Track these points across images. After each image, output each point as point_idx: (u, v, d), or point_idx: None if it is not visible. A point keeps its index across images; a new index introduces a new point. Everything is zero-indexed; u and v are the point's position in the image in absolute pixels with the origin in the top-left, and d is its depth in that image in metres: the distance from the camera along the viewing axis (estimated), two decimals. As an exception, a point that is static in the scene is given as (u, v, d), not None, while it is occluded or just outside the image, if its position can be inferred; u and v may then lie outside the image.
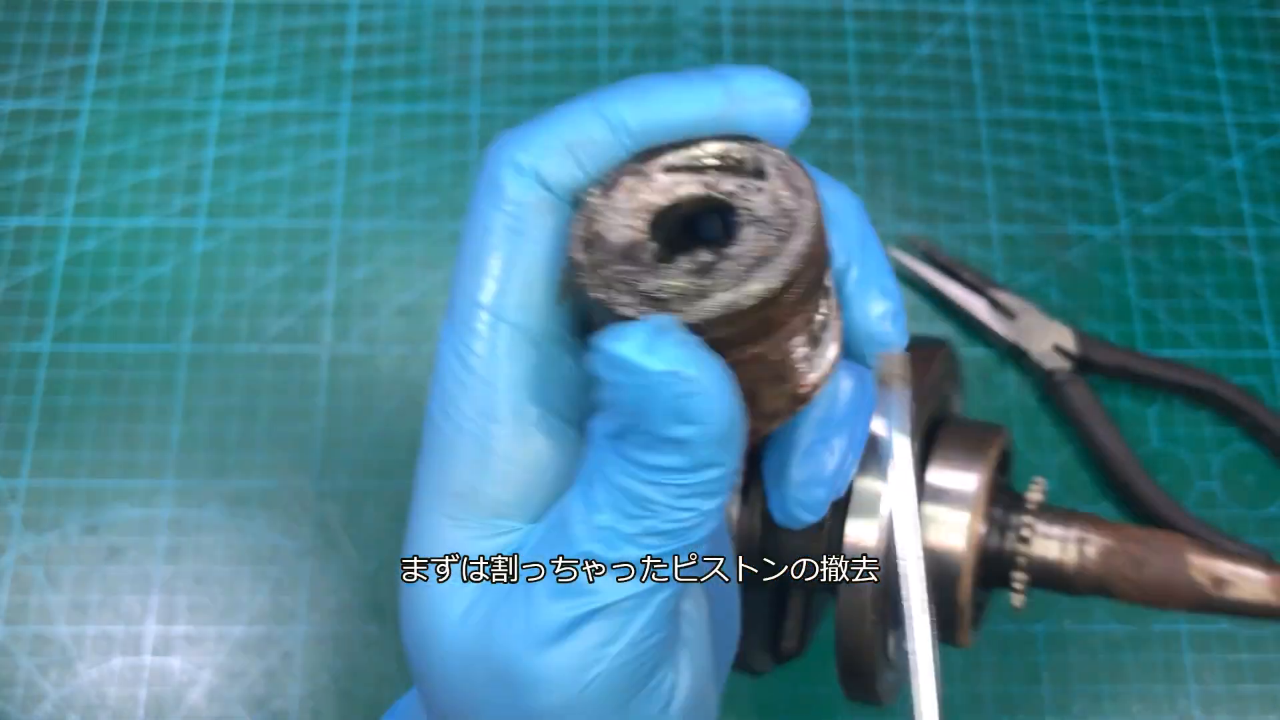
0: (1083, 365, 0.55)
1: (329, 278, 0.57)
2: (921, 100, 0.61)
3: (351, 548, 0.52)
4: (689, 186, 0.23)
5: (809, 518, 0.26)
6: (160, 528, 0.52)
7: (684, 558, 0.23)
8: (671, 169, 0.23)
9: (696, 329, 0.21)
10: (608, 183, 0.23)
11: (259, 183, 0.58)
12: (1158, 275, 0.58)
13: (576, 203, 0.23)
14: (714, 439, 0.21)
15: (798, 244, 0.22)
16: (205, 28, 0.62)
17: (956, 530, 0.32)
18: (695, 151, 0.23)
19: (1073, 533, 0.32)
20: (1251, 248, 0.58)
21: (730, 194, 0.23)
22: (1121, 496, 0.53)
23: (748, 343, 0.22)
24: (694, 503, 0.22)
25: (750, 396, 0.22)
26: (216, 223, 0.58)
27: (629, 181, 0.23)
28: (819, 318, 0.23)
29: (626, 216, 0.23)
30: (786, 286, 0.21)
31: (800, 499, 0.26)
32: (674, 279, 0.22)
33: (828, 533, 0.33)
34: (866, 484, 0.32)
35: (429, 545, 0.24)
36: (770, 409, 0.23)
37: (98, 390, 0.54)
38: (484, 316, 0.23)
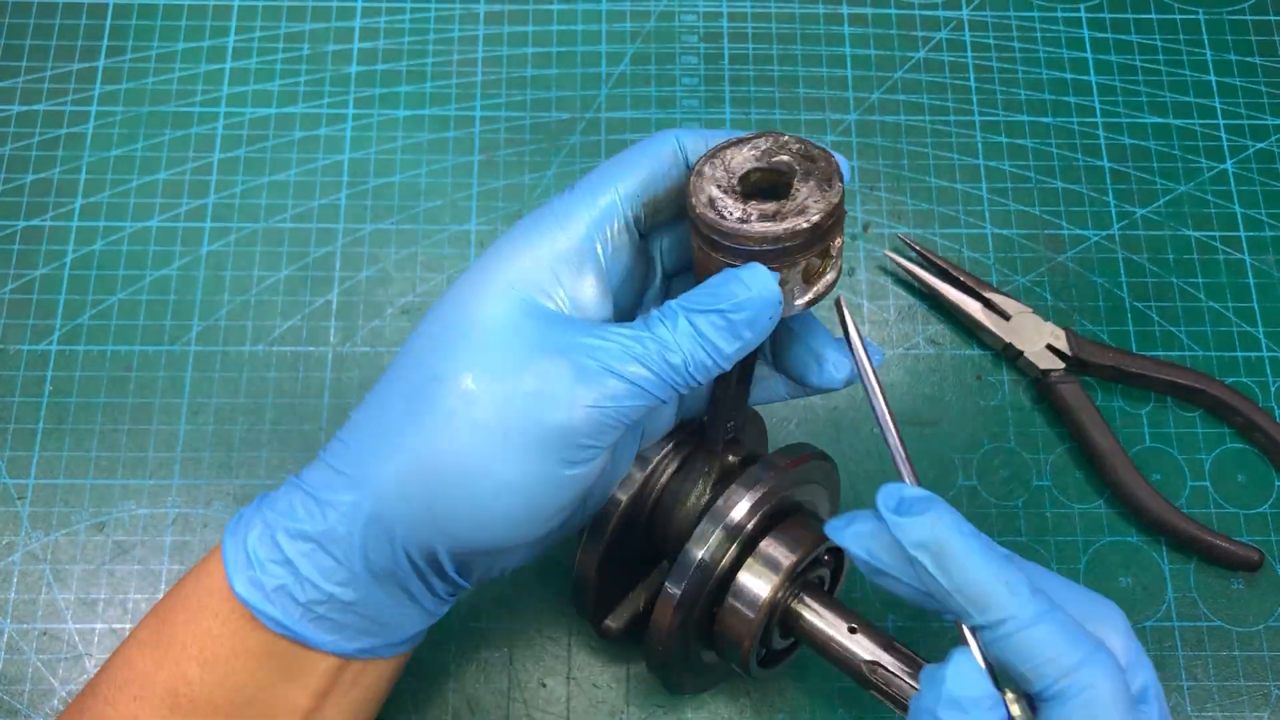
0: (1076, 365, 0.55)
1: (333, 279, 0.57)
2: (917, 104, 0.62)
3: (356, 545, 0.52)
4: (763, 159, 0.37)
5: (841, 374, 0.41)
6: (166, 526, 0.52)
7: (663, 394, 0.36)
8: (753, 148, 0.37)
9: (769, 239, 0.35)
10: (712, 154, 0.37)
11: (264, 185, 0.59)
12: (1150, 276, 0.58)
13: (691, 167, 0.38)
14: (753, 325, 0.36)
15: (834, 195, 0.36)
16: (211, 32, 0.62)
17: (766, 584, 0.41)
18: (768, 142, 0.37)
19: (836, 613, 0.42)
20: (1243, 249, 0.59)
21: (788, 164, 0.37)
22: (1114, 495, 0.54)
23: (797, 251, 0.35)
24: (700, 368, 0.36)
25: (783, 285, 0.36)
26: (222, 224, 0.58)
27: (727, 153, 0.37)
28: (834, 246, 0.37)
29: (723, 172, 0.37)
30: (828, 218, 0.35)
31: (837, 362, 0.40)
32: (754, 208, 0.36)
33: (694, 518, 0.42)
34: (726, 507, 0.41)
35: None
36: (787, 299, 0.36)
37: (104, 390, 0.55)
38: (613, 193, 0.38)
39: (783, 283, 0.36)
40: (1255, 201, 0.60)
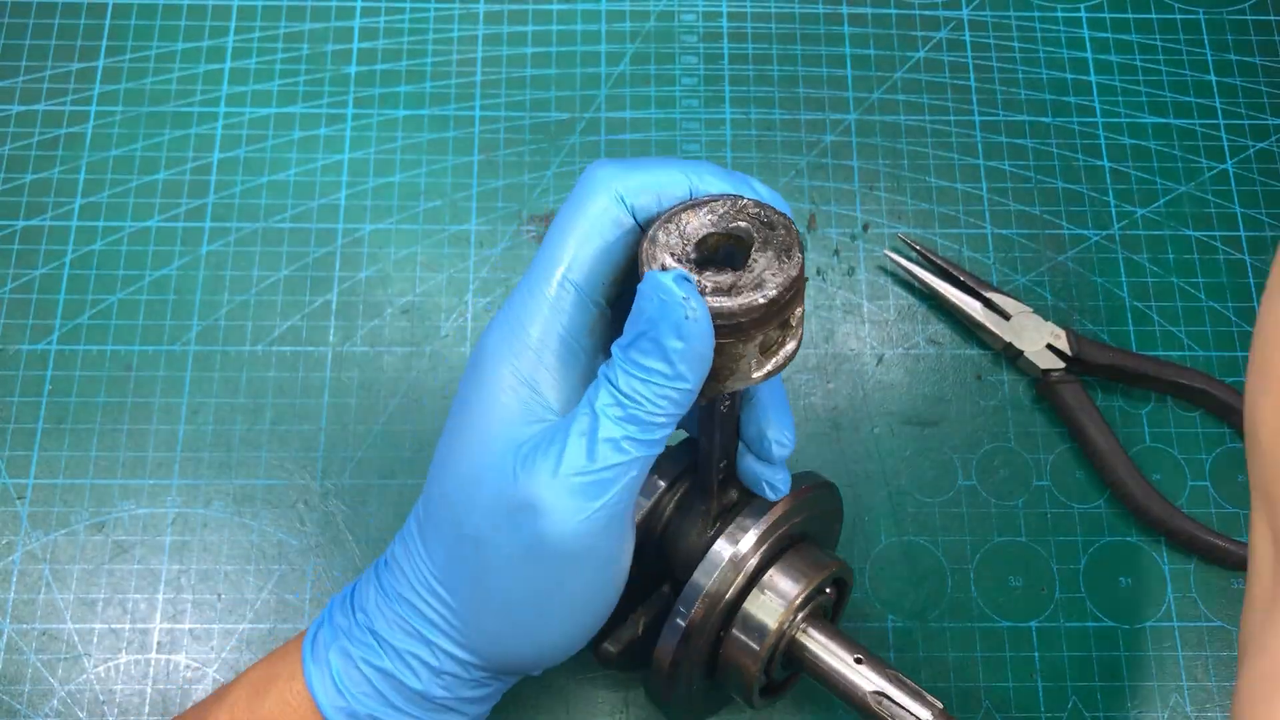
0: (1076, 365, 0.55)
1: (333, 279, 0.57)
2: (917, 104, 0.62)
3: (355, 545, 0.52)
4: (719, 225, 0.35)
5: (784, 453, 0.40)
6: (166, 526, 0.52)
7: (649, 449, 0.35)
8: (710, 212, 0.35)
9: (723, 315, 0.33)
10: (667, 218, 0.35)
11: (264, 185, 0.59)
12: (1151, 276, 0.58)
13: (645, 226, 0.36)
14: (692, 357, 0.33)
15: (793, 267, 0.34)
16: (210, 32, 0.62)
17: (772, 615, 0.41)
18: (725, 206, 0.35)
19: (840, 643, 0.42)
20: (1243, 249, 0.59)
21: (746, 230, 0.35)
22: (1114, 495, 0.54)
23: (753, 327, 0.34)
24: (665, 404, 0.34)
25: (734, 363, 0.35)
26: (222, 224, 0.58)
27: (682, 217, 0.35)
28: (794, 316, 0.35)
29: (677, 239, 0.35)
30: (785, 291, 0.34)
31: (780, 440, 0.39)
32: (709, 280, 0.34)
33: (700, 550, 0.41)
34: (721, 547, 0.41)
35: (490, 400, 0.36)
36: (743, 372, 0.35)
37: (104, 390, 0.55)
38: (559, 273, 0.36)
39: (739, 356, 0.35)
40: (1255, 201, 0.60)
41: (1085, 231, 0.59)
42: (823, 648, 0.42)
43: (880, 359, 0.57)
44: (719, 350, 0.34)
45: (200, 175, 0.59)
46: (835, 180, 0.60)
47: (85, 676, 0.50)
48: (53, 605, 0.51)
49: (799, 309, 0.36)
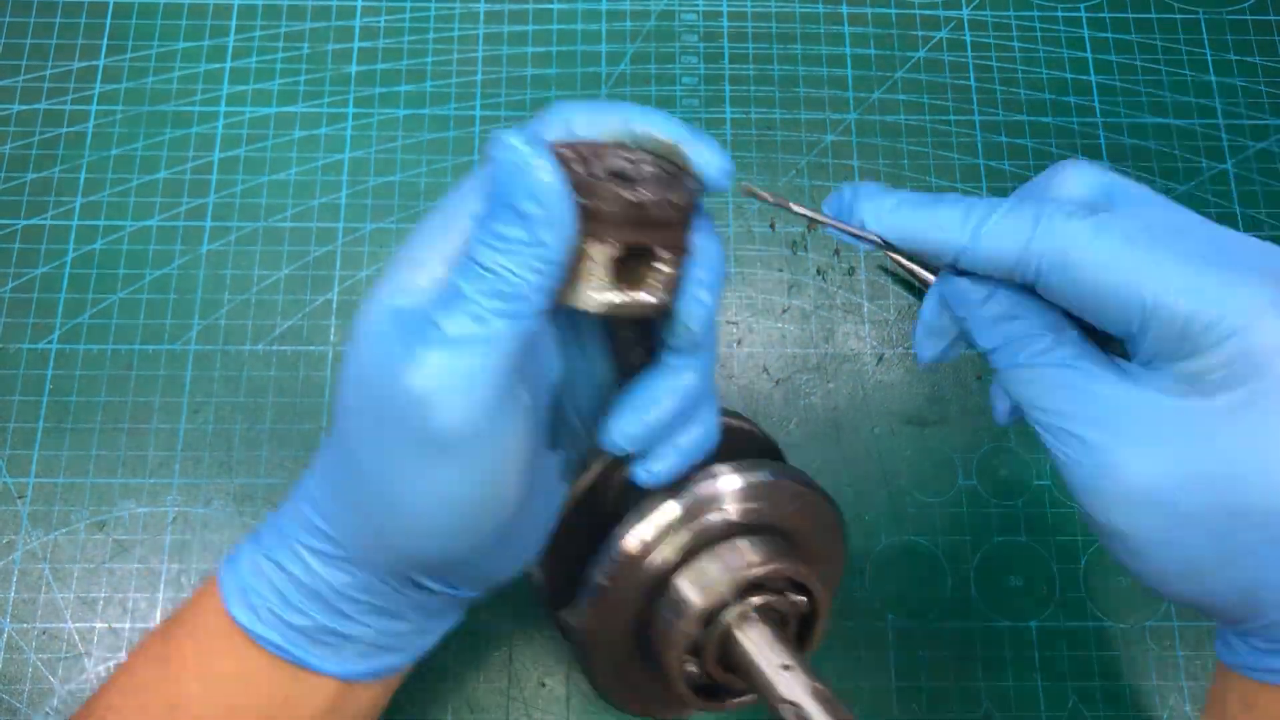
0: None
1: (333, 278, 0.57)
2: (917, 104, 0.62)
3: (355, 544, 0.52)
4: (619, 151, 0.34)
5: (614, 448, 0.36)
6: (166, 525, 0.52)
7: (517, 323, 0.32)
8: (618, 150, 0.34)
9: (579, 189, 0.32)
10: (584, 152, 0.33)
11: (264, 184, 0.59)
12: (1150, 277, 0.58)
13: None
14: (548, 221, 0.31)
15: (676, 195, 0.33)
16: (211, 31, 0.62)
17: (702, 593, 0.37)
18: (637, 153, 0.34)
19: (778, 648, 0.37)
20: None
21: (647, 164, 0.34)
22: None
23: (609, 224, 0.32)
24: (528, 273, 0.32)
25: (578, 264, 0.32)
26: (222, 224, 0.58)
27: (597, 150, 0.34)
28: (660, 264, 0.33)
29: (585, 148, 0.33)
30: (657, 204, 0.32)
31: (624, 430, 0.36)
32: (575, 159, 0.33)
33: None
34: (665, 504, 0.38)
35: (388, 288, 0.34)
36: (584, 285, 0.33)
37: (104, 389, 0.55)
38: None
39: (584, 258, 0.32)
40: (1255, 201, 0.60)
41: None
42: (756, 646, 0.37)
43: (880, 359, 0.57)
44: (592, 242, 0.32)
45: (201, 174, 0.59)
46: (835, 180, 0.60)
47: (85, 676, 0.50)
48: (53, 604, 0.51)
49: (668, 262, 0.34)
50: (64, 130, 0.60)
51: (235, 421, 0.54)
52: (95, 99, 0.61)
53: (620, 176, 0.33)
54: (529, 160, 0.31)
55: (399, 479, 0.34)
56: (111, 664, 0.50)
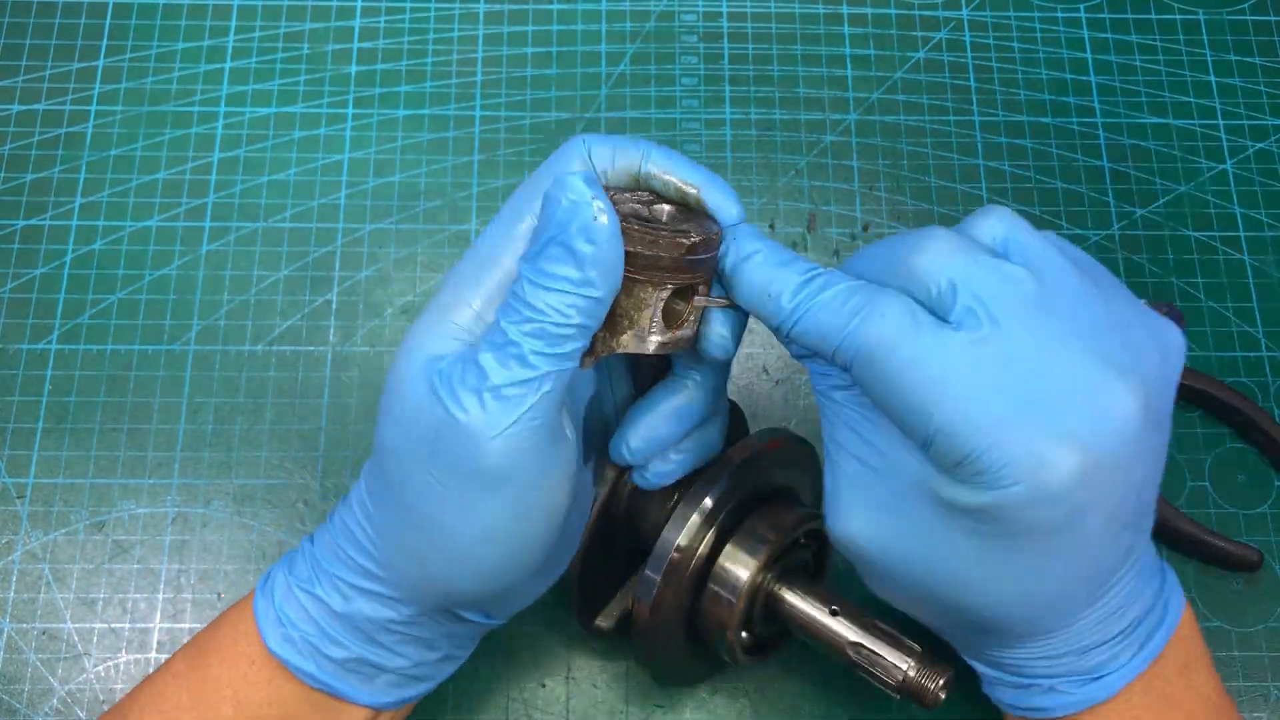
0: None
1: (333, 278, 0.57)
2: (917, 104, 0.62)
3: (355, 545, 0.52)
4: (638, 198, 0.36)
5: (620, 460, 0.39)
6: (166, 525, 0.52)
7: (558, 364, 0.33)
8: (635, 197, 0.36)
9: (641, 239, 0.33)
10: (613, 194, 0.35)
11: (264, 185, 0.59)
12: (1150, 276, 0.58)
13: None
14: (601, 262, 0.32)
15: (712, 233, 0.35)
16: (211, 31, 0.62)
17: (746, 567, 0.41)
18: (650, 195, 0.36)
19: (816, 596, 0.42)
20: (1243, 249, 0.59)
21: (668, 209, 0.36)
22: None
23: (668, 269, 0.34)
24: (573, 313, 0.32)
25: (636, 311, 0.34)
26: (222, 224, 0.58)
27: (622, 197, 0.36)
28: (695, 297, 0.35)
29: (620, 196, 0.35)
30: (703, 245, 0.34)
31: (630, 445, 0.39)
32: (626, 201, 0.35)
33: (666, 517, 0.42)
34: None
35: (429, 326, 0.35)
36: (641, 328, 0.35)
37: (104, 389, 0.55)
38: (525, 226, 0.35)
39: (643, 305, 0.34)
40: (1255, 201, 0.60)
41: (1085, 232, 0.59)
42: (800, 599, 0.42)
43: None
44: (624, 287, 0.34)
45: (200, 175, 0.59)
46: (835, 180, 0.60)
47: (85, 676, 0.50)
48: (52, 605, 0.51)
49: (702, 294, 0.36)
50: (63, 131, 0.60)
51: (235, 422, 0.54)
52: (95, 99, 0.61)
53: (640, 219, 0.34)
54: (587, 200, 0.32)
55: (450, 519, 0.34)
56: (110, 665, 0.50)
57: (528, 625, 0.51)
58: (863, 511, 0.35)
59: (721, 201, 0.36)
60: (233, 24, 0.62)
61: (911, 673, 0.39)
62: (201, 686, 0.38)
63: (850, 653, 0.40)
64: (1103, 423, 0.32)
